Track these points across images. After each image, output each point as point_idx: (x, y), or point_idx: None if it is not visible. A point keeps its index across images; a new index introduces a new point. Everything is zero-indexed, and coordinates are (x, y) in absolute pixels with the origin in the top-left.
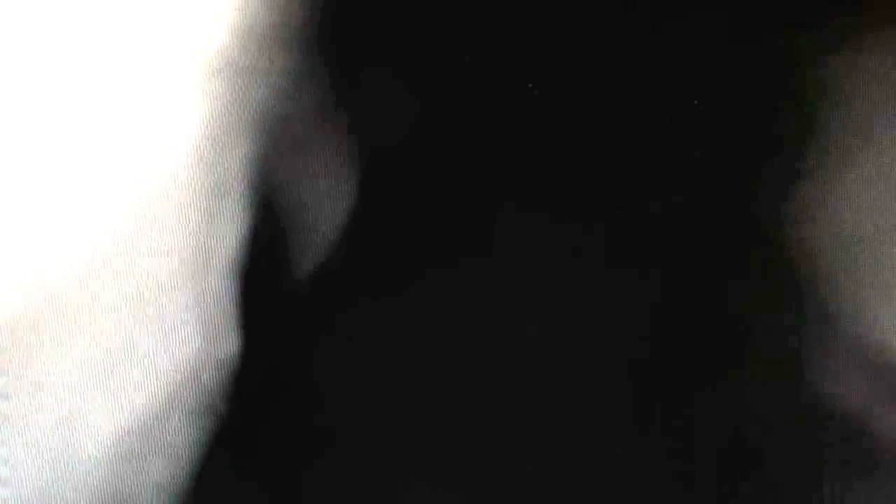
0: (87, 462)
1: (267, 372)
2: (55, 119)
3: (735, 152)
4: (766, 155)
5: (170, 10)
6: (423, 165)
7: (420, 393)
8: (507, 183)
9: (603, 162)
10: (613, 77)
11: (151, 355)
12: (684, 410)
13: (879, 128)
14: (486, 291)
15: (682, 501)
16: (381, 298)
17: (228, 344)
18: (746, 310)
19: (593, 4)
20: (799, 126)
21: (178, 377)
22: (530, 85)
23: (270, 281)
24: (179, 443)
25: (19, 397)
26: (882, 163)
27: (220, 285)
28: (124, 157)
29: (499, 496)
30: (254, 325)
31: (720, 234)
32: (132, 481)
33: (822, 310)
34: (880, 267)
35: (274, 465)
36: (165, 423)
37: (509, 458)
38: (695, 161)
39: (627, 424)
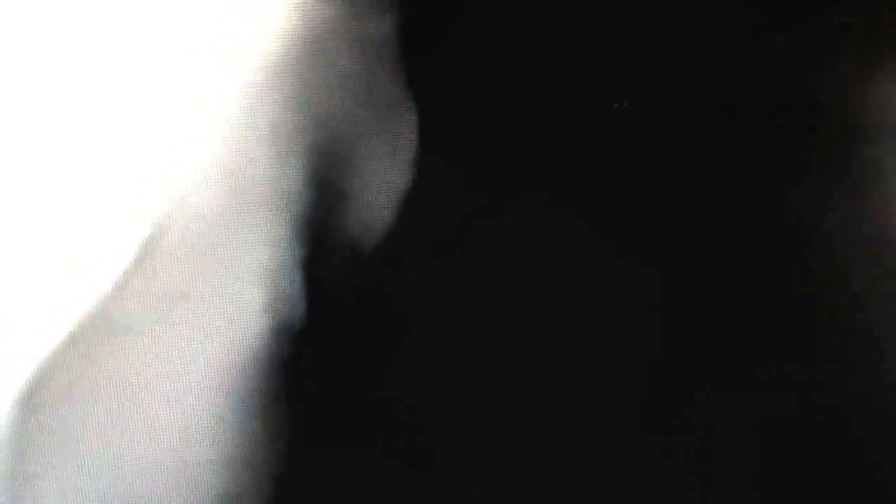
0: (161, 452)
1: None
2: (128, 121)
3: (746, 153)
4: (779, 156)
5: (229, 15)
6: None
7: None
8: (522, 176)
9: (606, 160)
10: (616, 78)
11: (216, 335)
12: (684, 410)
13: None
14: (490, 288)
15: (681, 501)
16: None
17: (295, 317)
18: (749, 310)
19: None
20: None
21: (246, 354)
22: (615, 104)
23: (333, 252)
24: (251, 426)
25: (85, 396)
26: None
27: (284, 250)
28: (180, 152)
29: (498, 493)
30: (319, 297)
31: (723, 233)
32: (205, 466)
33: (837, 314)
34: None
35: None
36: (234, 406)
37: (510, 454)
38: (698, 161)
39: (631, 425)
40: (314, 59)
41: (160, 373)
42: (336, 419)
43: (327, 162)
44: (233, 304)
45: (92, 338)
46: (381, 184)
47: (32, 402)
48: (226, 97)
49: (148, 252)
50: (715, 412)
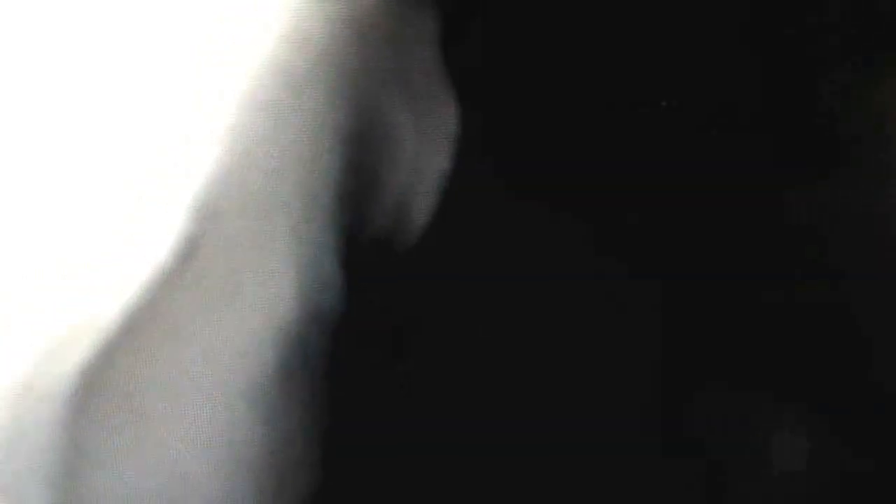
0: (207, 451)
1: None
2: (128, 121)
3: (747, 153)
4: (779, 157)
5: (230, 15)
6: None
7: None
8: (532, 177)
9: (606, 161)
10: (616, 78)
11: (251, 320)
12: (684, 410)
13: None
14: (494, 288)
15: (681, 501)
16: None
17: (329, 301)
18: (749, 311)
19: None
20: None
21: (280, 338)
22: (664, 103)
23: (370, 238)
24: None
25: (134, 396)
26: None
27: (320, 242)
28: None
29: (501, 493)
30: (355, 281)
31: (723, 234)
32: (247, 466)
33: (837, 314)
34: None
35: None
36: (270, 388)
37: (512, 452)
38: (698, 161)
39: (631, 425)
40: (355, 50)
41: (206, 370)
42: (350, 415)
43: (366, 153)
44: (272, 298)
45: (140, 338)
46: (413, 178)
47: (81, 401)
48: (226, 97)
49: (193, 249)
50: (715, 412)
